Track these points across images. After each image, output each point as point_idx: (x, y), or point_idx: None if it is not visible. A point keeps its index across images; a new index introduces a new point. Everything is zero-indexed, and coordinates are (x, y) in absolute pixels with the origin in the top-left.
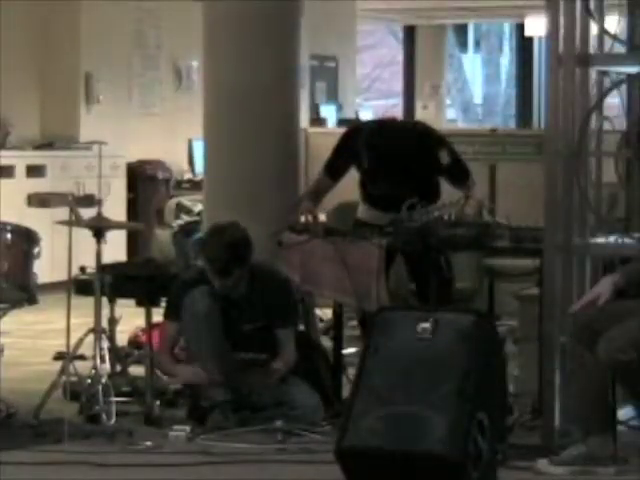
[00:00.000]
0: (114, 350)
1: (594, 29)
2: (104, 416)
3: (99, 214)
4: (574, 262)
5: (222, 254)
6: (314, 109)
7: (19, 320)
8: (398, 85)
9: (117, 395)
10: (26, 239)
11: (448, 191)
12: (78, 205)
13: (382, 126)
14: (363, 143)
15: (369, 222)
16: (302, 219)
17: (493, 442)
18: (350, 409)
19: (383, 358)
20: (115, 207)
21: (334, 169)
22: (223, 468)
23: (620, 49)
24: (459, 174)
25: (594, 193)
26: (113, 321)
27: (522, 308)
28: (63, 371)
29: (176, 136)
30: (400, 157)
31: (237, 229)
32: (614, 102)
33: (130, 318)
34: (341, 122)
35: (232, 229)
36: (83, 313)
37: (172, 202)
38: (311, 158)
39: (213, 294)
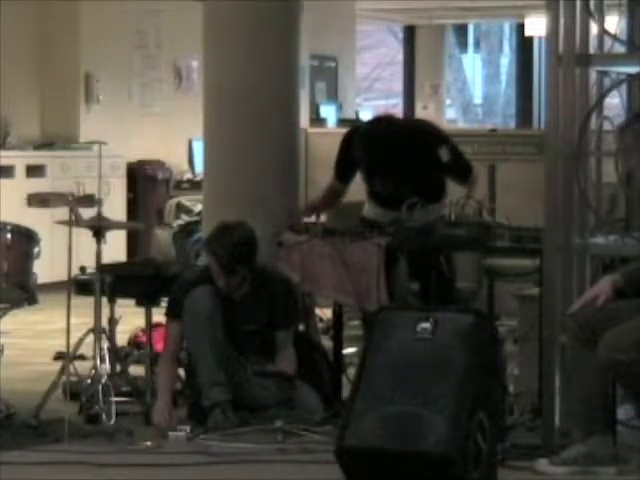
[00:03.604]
0: (114, 350)
1: (594, 29)
2: (104, 416)
3: (99, 214)
4: (574, 262)
5: (229, 252)
6: (314, 109)
7: (19, 320)
8: (398, 85)
9: (117, 395)
10: (26, 239)
11: (449, 191)
12: (78, 205)
13: (379, 123)
14: (360, 141)
15: (374, 220)
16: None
17: (493, 442)
18: (350, 409)
19: (383, 358)
20: (115, 207)
21: (341, 172)
22: (223, 468)
23: (620, 49)
24: (460, 172)
25: (594, 193)
26: (113, 321)
27: (522, 308)
28: (63, 371)
29: (176, 136)
30: (398, 154)
31: (245, 228)
32: (614, 102)
33: (130, 318)
34: (341, 122)
35: (240, 228)
36: (83, 313)
37: (172, 202)
38: (311, 158)
39: (215, 294)
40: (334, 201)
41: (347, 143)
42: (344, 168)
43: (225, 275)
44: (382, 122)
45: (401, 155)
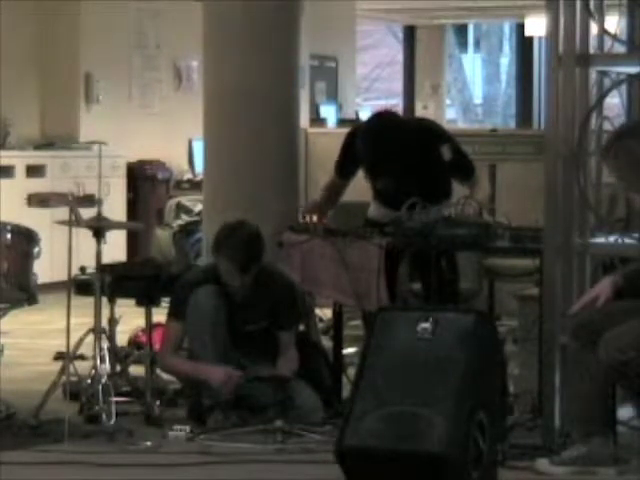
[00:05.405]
0: (114, 350)
1: (594, 29)
2: (104, 416)
3: (99, 214)
4: (574, 262)
5: (243, 252)
6: (314, 109)
7: (19, 320)
8: (398, 85)
9: (117, 395)
10: (26, 239)
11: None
12: (78, 205)
13: (382, 118)
14: (363, 135)
15: (379, 221)
16: (305, 217)
17: (493, 442)
18: (350, 409)
19: (383, 358)
20: (115, 207)
21: (342, 169)
22: (223, 468)
23: (620, 49)
24: (462, 171)
25: (594, 193)
26: (113, 321)
27: (522, 308)
28: (63, 371)
29: (176, 136)
30: (400, 148)
31: (250, 226)
32: (614, 102)
33: (130, 318)
34: (341, 122)
35: (245, 226)
36: (83, 313)
37: (172, 202)
38: (311, 158)
39: (218, 294)
40: (335, 198)
41: (350, 138)
42: (346, 164)
43: (241, 274)
44: (384, 117)
45: (403, 150)
